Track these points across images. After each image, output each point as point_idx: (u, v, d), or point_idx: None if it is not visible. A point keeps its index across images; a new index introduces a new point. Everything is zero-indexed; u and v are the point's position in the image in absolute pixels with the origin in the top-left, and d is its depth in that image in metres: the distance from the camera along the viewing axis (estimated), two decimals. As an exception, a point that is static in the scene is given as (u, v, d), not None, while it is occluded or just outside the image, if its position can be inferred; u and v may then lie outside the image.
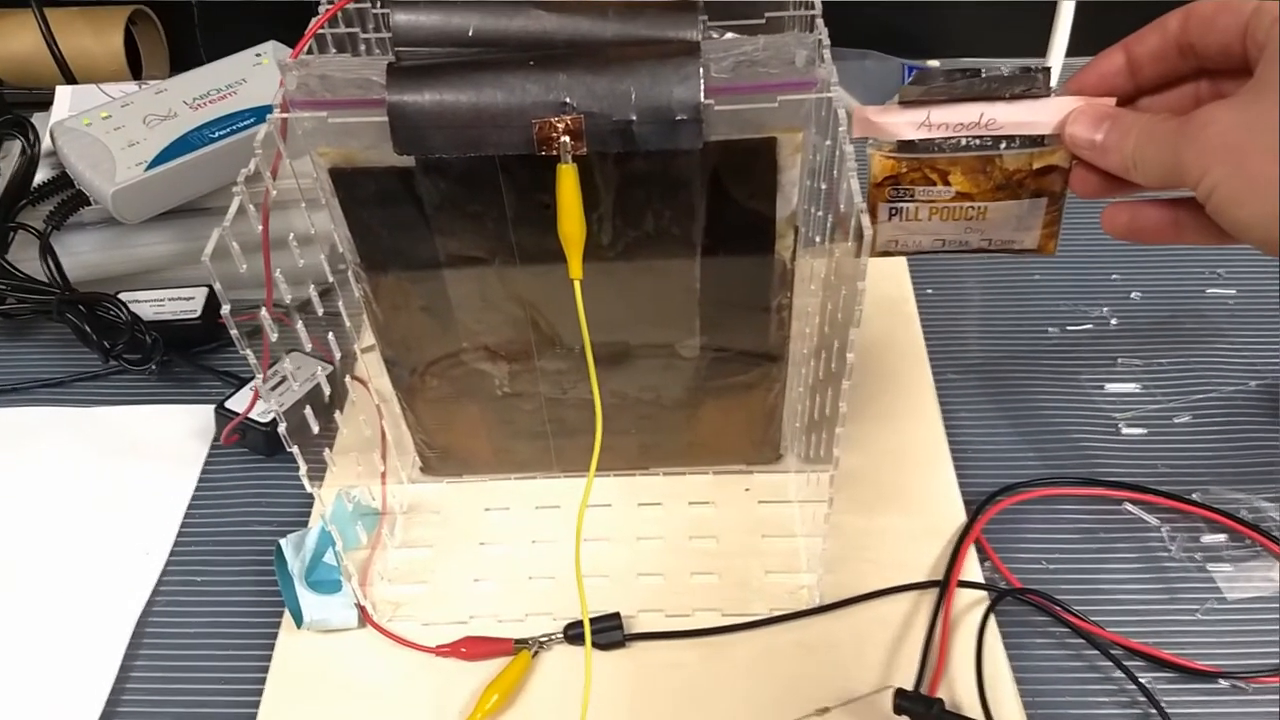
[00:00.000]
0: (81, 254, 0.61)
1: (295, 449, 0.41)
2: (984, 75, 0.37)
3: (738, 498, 0.50)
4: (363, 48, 0.44)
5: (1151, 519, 0.50)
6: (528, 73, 0.35)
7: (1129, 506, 0.51)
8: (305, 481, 0.42)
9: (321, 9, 0.41)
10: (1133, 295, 0.62)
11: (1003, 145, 0.39)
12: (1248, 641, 0.45)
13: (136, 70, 0.78)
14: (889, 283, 0.61)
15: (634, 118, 0.35)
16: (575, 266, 0.37)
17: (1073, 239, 0.64)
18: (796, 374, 0.49)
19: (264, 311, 0.39)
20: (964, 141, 0.39)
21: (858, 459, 0.51)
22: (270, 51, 0.67)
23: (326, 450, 0.46)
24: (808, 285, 0.47)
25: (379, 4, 0.45)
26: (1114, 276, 0.63)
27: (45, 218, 0.59)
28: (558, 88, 0.35)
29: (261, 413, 0.54)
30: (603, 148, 0.36)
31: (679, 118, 0.35)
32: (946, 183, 0.40)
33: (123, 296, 0.60)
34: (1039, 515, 0.51)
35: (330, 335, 0.46)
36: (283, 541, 0.47)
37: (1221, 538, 0.49)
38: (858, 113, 0.38)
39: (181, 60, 0.81)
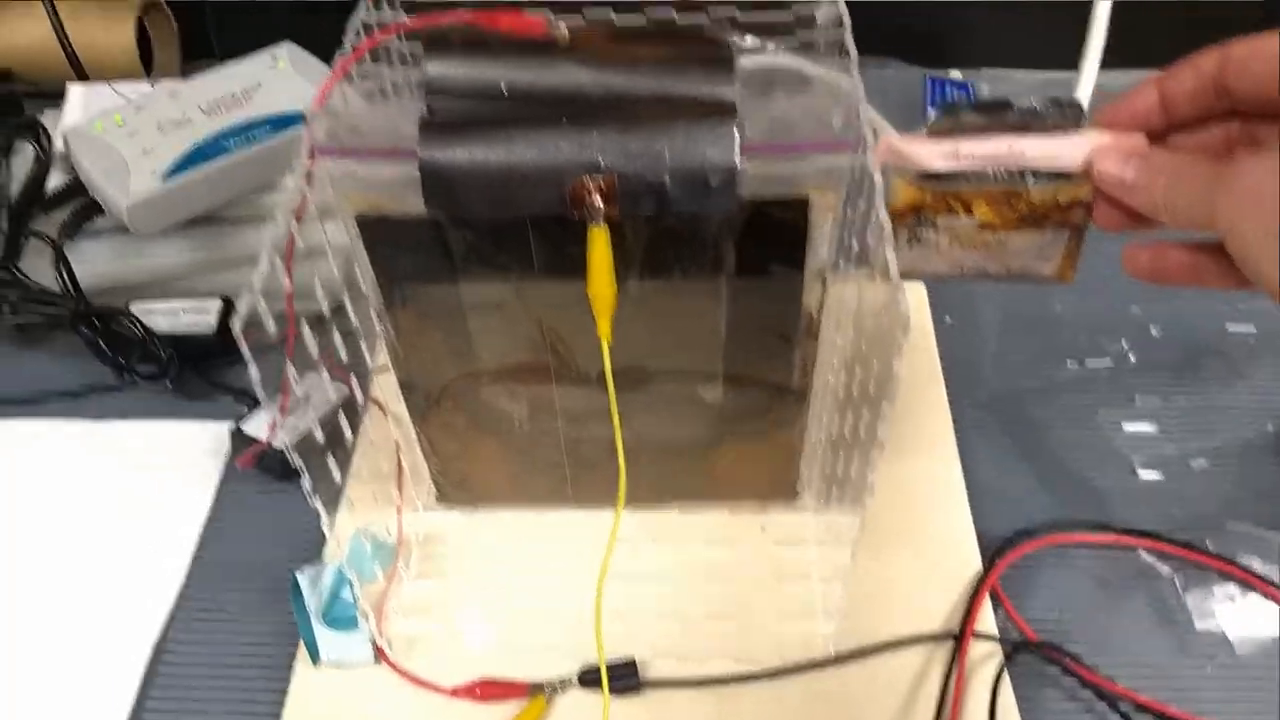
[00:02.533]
0: (95, 263, 0.60)
1: (315, 496, 0.41)
2: (1015, 108, 0.37)
3: (754, 537, 0.50)
4: (389, 85, 0.43)
5: (1164, 568, 0.50)
6: (561, 131, 0.34)
7: (1142, 554, 0.51)
8: (324, 524, 0.42)
9: (345, 43, 0.40)
10: (1152, 330, 0.61)
11: (1029, 178, 0.38)
12: (1259, 697, 0.46)
13: (148, 62, 0.77)
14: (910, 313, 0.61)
15: (667, 180, 0.35)
16: (604, 328, 0.36)
17: (1093, 270, 0.63)
18: (816, 409, 0.49)
19: (289, 364, 0.38)
20: (990, 173, 0.38)
21: (851, 485, 0.51)
22: (285, 54, 0.66)
23: (340, 475, 0.45)
24: (833, 317, 0.47)
25: (403, 37, 0.44)
26: (1133, 309, 0.62)
27: (59, 227, 0.58)
28: (591, 147, 0.34)
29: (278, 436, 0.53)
30: (635, 209, 0.35)
31: (713, 182, 0.35)
32: (970, 213, 0.39)
33: (136, 307, 0.60)
34: (1052, 561, 0.51)
35: (344, 353, 0.45)
36: (299, 575, 0.46)
37: (1232, 588, 0.49)
38: (884, 141, 0.38)
39: (194, 53, 0.80)
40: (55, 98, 0.72)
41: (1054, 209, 0.39)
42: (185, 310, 0.60)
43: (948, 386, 0.57)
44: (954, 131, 0.37)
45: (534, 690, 0.44)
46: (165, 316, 0.60)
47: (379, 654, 0.45)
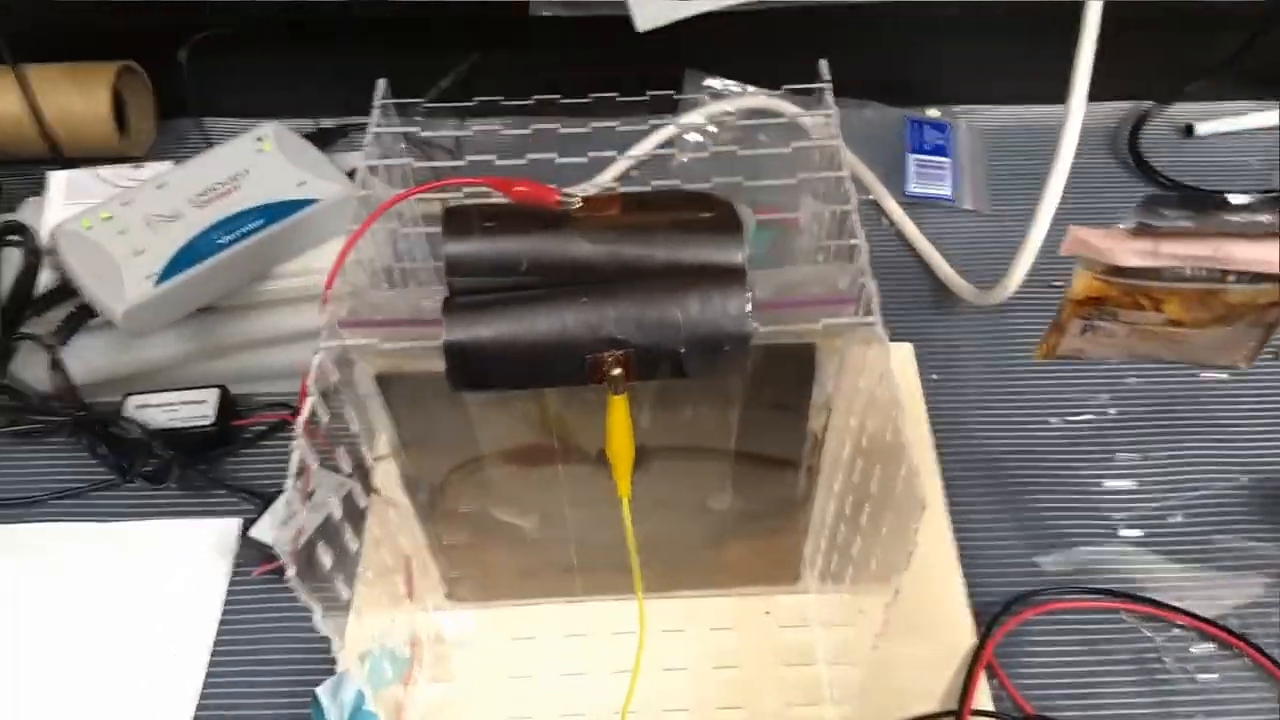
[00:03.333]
0: (87, 358, 0.60)
1: (326, 622, 0.41)
2: (1222, 206, 0.35)
3: (758, 621, 0.53)
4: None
5: (1146, 629, 0.53)
6: (580, 309, 0.35)
7: (1127, 617, 0.54)
8: (334, 649, 0.43)
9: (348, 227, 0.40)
10: (1129, 380, 0.64)
11: (1230, 279, 0.36)
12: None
13: (122, 122, 0.76)
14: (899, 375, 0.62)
15: (683, 351, 0.36)
16: (624, 487, 0.38)
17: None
18: (820, 501, 0.51)
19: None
20: (1188, 272, 0.36)
21: (856, 567, 0.53)
22: (271, 135, 0.65)
23: (347, 578, 0.45)
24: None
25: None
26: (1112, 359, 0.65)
27: (53, 333, 0.58)
28: (609, 323, 0.36)
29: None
30: (652, 377, 0.36)
31: (727, 347, 0.36)
32: (1159, 309, 0.38)
33: (133, 402, 0.60)
34: (1041, 628, 0.53)
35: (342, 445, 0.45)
36: (319, 691, 0.48)
37: (1210, 647, 0.53)
38: (1073, 232, 0.36)
39: (170, 114, 0.79)
40: (30, 168, 0.71)
41: (1251, 309, 0.37)
42: (182, 404, 0.61)
43: (935, 447, 0.60)
44: (1154, 229, 0.36)
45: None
46: (162, 411, 0.60)
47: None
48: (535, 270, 0.36)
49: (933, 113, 0.80)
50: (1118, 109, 0.79)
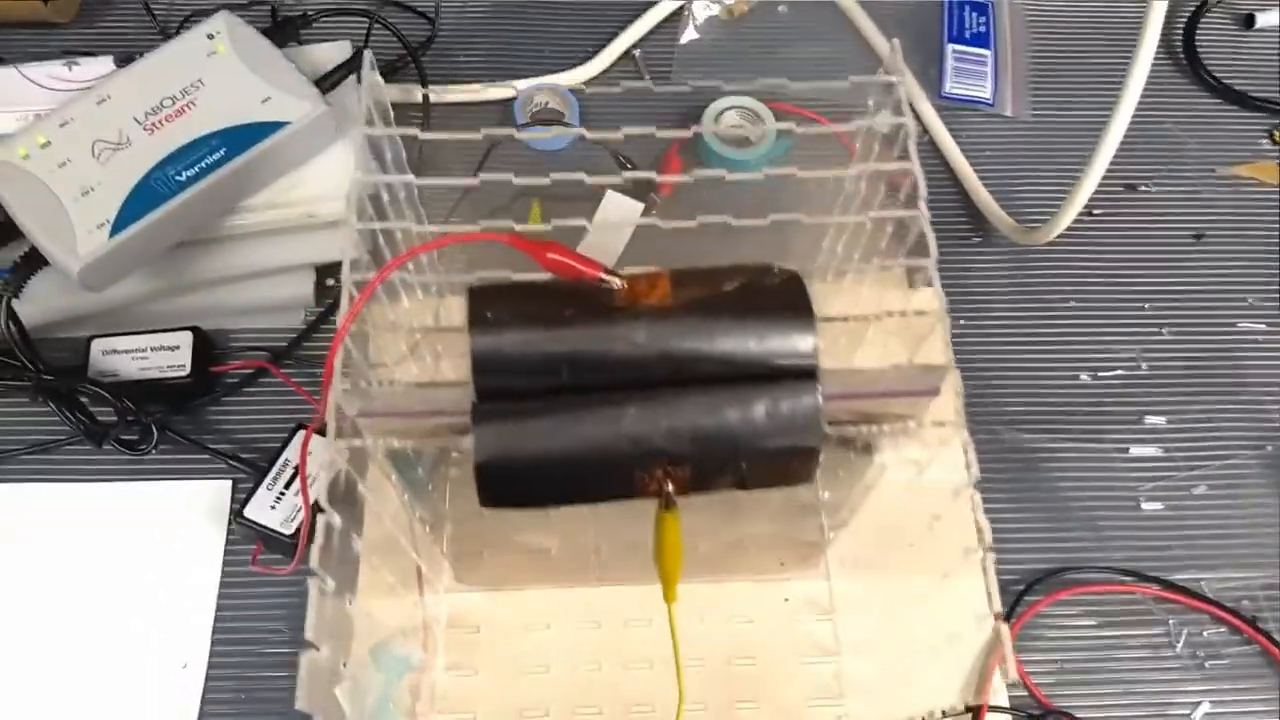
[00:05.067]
0: (44, 299, 0.54)
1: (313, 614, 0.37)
2: None
3: (777, 609, 0.51)
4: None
5: (1159, 611, 0.53)
6: (629, 423, 0.31)
7: (1144, 600, 0.53)
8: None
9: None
10: (1163, 332, 0.60)
11: None
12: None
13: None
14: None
15: (745, 467, 0.32)
16: (671, 595, 0.35)
17: (1108, 267, 0.62)
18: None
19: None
20: None
21: (877, 551, 0.51)
22: (224, 30, 0.56)
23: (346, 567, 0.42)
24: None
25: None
26: (1146, 308, 0.61)
27: (3, 283, 0.51)
28: (660, 437, 0.31)
29: (283, 521, 0.51)
30: (707, 491, 0.33)
31: (794, 462, 0.32)
32: None
33: (99, 346, 0.55)
34: (1055, 610, 0.53)
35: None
36: (338, 691, 0.46)
37: (1223, 631, 0.53)
38: None
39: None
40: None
41: None
42: (153, 349, 0.55)
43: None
44: None
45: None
46: (133, 359, 0.55)
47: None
48: (575, 372, 0.31)
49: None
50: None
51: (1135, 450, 0.57)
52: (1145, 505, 0.56)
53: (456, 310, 0.47)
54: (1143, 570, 0.54)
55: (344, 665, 0.41)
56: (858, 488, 0.41)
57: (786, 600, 0.52)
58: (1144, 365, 0.60)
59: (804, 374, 0.32)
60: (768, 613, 0.51)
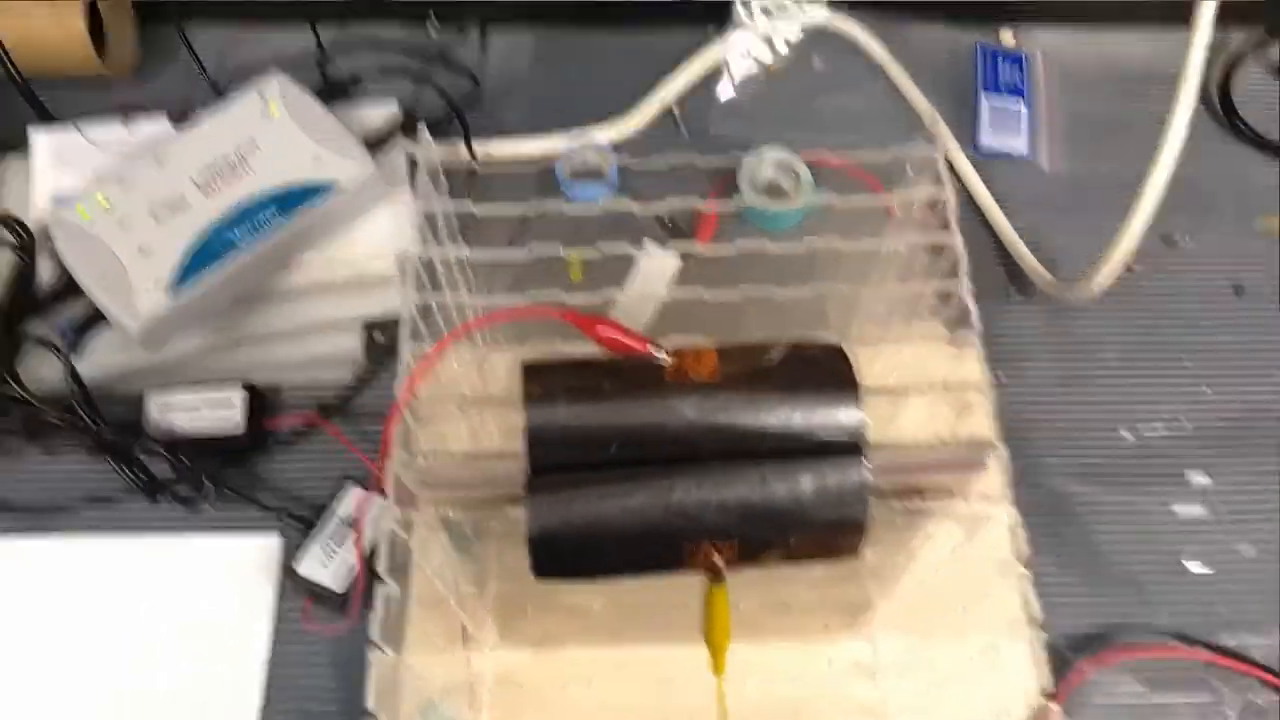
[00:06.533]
0: (101, 357, 0.56)
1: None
2: None
3: (821, 672, 0.51)
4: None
5: (1209, 676, 0.53)
6: (679, 498, 0.32)
7: (1191, 664, 0.53)
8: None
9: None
10: (1205, 388, 0.60)
11: None
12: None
13: (100, 47, 0.67)
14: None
15: (793, 541, 0.32)
16: (720, 665, 0.35)
17: (1146, 322, 0.62)
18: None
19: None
20: None
21: (922, 615, 0.51)
22: (277, 92, 0.58)
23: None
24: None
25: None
26: (1186, 363, 0.61)
27: (63, 339, 0.53)
28: (711, 513, 0.32)
29: (335, 579, 0.52)
30: (755, 564, 0.33)
31: (841, 538, 0.33)
32: None
33: (154, 402, 0.56)
34: (1103, 678, 0.52)
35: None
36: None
37: (1275, 699, 0.52)
38: None
39: (149, 19, 0.70)
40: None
41: None
42: (207, 406, 0.57)
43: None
44: None
45: None
46: (187, 414, 0.56)
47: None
48: (627, 446, 0.32)
49: (1006, 37, 0.72)
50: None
51: (1179, 509, 0.57)
52: (1190, 565, 0.55)
53: (501, 366, 0.48)
54: (1188, 633, 0.53)
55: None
56: (903, 552, 0.41)
57: (830, 663, 0.52)
58: (1186, 422, 0.59)
59: (850, 449, 0.32)
60: (812, 675, 0.51)
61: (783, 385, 0.33)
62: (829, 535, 0.32)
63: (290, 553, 0.53)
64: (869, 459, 0.32)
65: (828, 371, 0.33)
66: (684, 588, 0.36)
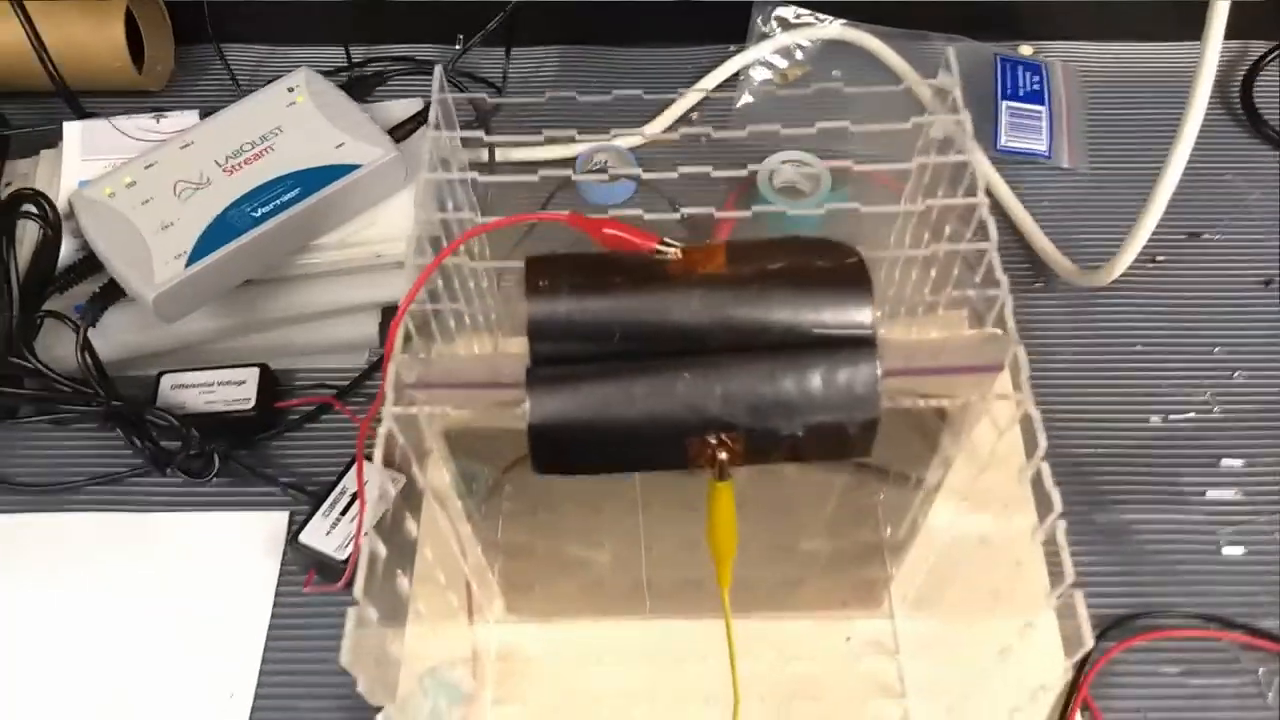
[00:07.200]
0: (117, 335, 0.56)
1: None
2: None
3: (839, 649, 0.49)
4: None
5: (1245, 659, 0.50)
6: (682, 385, 0.31)
7: (1229, 646, 0.50)
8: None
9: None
10: (1235, 376, 0.59)
11: None
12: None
13: (138, 55, 0.70)
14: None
15: (800, 434, 0.31)
16: (724, 575, 0.34)
17: (1174, 312, 0.61)
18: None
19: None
20: None
21: (941, 591, 0.49)
22: (304, 84, 0.59)
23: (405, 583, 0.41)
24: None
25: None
26: (1216, 351, 0.60)
27: (80, 314, 0.53)
28: (715, 404, 0.31)
29: (337, 547, 0.51)
30: (762, 462, 0.32)
31: (852, 432, 0.31)
32: None
33: (168, 382, 0.56)
34: (1134, 656, 0.50)
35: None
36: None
37: (1316, 681, 0.49)
38: None
39: (186, 40, 0.72)
40: (38, 102, 0.66)
41: None
42: (220, 384, 0.57)
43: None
44: None
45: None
46: (200, 393, 0.56)
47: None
48: (630, 338, 0.32)
49: (1025, 50, 0.73)
50: (1225, 47, 0.71)
51: (1212, 494, 0.55)
52: (1226, 550, 0.53)
53: (516, 347, 0.48)
54: (1226, 616, 0.51)
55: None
56: (909, 517, 0.40)
57: (848, 639, 0.50)
58: (1217, 408, 0.58)
59: (862, 343, 0.32)
60: (830, 652, 0.49)
61: (795, 281, 0.32)
62: (838, 431, 0.31)
63: (296, 528, 0.52)
64: (881, 354, 0.31)
65: (842, 271, 0.32)
66: (693, 556, 0.35)
